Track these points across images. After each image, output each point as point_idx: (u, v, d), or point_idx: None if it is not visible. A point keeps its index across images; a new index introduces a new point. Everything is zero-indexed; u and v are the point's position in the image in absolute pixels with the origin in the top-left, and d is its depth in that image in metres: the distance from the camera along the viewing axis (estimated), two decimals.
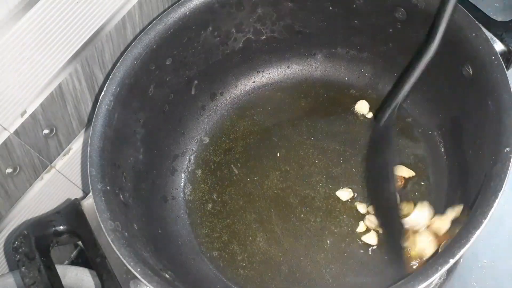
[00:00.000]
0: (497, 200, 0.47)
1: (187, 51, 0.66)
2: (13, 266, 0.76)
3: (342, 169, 0.66)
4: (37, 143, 0.67)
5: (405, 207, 0.58)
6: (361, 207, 0.63)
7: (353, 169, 0.66)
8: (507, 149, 0.49)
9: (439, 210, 0.61)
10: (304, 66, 0.72)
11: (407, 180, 0.64)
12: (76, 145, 0.73)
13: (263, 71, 0.73)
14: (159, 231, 0.63)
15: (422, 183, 0.63)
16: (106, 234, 0.53)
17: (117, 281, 0.57)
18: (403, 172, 0.63)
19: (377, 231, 0.61)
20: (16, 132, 0.63)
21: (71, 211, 0.61)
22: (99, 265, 0.59)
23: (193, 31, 0.65)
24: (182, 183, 0.68)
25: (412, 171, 0.63)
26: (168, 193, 0.67)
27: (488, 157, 0.51)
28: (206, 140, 0.71)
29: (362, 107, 0.68)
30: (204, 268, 0.63)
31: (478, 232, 0.47)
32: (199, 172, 0.69)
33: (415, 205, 0.58)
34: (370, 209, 0.62)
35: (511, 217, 0.60)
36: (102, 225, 0.53)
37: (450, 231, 0.54)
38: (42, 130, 0.66)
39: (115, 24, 0.67)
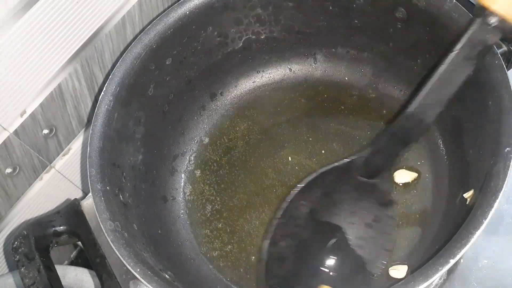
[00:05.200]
0: (497, 200, 0.47)
1: (187, 51, 0.66)
2: (12, 266, 0.76)
3: None
4: (37, 143, 0.66)
5: None
6: None
7: None
8: (507, 149, 0.49)
9: (439, 210, 0.61)
10: (304, 66, 0.72)
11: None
12: (76, 145, 0.73)
13: (263, 71, 0.73)
14: (159, 231, 0.63)
15: (423, 183, 0.63)
16: (105, 234, 0.53)
17: (117, 281, 0.57)
18: (405, 176, 0.63)
19: None
20: (16, 132, 0.63)
21: (71, 211, 0.61)
22: (98, 265, 0.59)
23: (193, 31, 0.65)
24: (182, 183, 0.68)
25: (414, 173, 0.63)
26: (168, 193, 0.67)
27: (488, 157, 0.51)
28: (206, 140, 0.71)
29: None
30: (204, 268, 0.63)
31: (478, 232, 0.47)
32: (198, 172, 0.69)
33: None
34: None
35: (511, 217, 0.59)
36: (101, 225, 0.53)
37: None
38: (42, 130, 0.66)
39: (114, 24, 0.67)
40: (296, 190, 0.63)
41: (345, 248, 0.59)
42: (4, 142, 0.62)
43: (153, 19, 0.63)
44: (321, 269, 0.58)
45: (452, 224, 0.54)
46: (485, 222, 0.47)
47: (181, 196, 0.68)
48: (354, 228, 0.60)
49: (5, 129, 0.61)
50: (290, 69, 0.73)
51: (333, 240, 0.59)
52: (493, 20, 0.51)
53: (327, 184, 0.63)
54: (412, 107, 0.57)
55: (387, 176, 0.61)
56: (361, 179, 0.61)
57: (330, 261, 0.59)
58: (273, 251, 0.61)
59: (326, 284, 0.57)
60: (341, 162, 0.63)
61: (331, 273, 0.58)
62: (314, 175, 0.64)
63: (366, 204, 0.61)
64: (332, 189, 0.62)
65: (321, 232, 0.60)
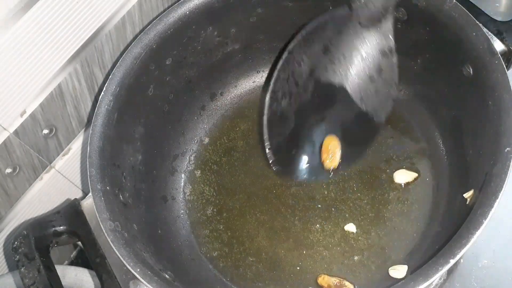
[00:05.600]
0: (497, 200, 0.47)
1: (187, 51, 0.66)
2: (12, 266, 0.76)
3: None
4: (37, 143, 0.66)
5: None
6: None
7: (353, 168, 0.66)
8: (507, 149, 0.49)
9: (439, 210, 0.61)
10: None
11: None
12: (76, 145, 0.73)
13: (263, 71, 0.73)
14: (159, 231, 0.63)
15: (423, 183, 0.63)
16: (105, 234, 0.53)
17: (117, 281, 0.57)
18: (405, 176, 0.63)
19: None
20: (16, 132, 0.63)
21: (71, 211, 0.61)
22: (98, 265, 0.59)
23: (193, 31, 0.65)
24: (182, 183, 0.68)
25: (414, 173, 0.63)
26: (168, 193, 0.67)
27: (489, 157, 0.51)
28: (206, 140, 0.71)
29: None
30: (204, 268, 0.63)
31: (478, 232, 0.47)
32: (198, 172, 0.69)
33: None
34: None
35: (511, 217, 0.59)
36: (101, 225, 0.53)
37: None
38: (42, 130, 0.66)
39: (114, 24, 0.67)
40: (296, 41, 0.59)
41: (349, 106, 0.58)
42: (4, 142, 0.62)
43: (153, 19, 0.63)
44: (326, 127, 0.59)
45: (452, 224, 0.54)
46: (485, 222, 0.47)
47: (181, 196, 0.68)
48: (357, 84, 0.58)
49: (5, 129, 0.61)
50: None
51: (336, 101, 0.58)
52: None
53: (326, 36, 0.59)
54: None
55: (387, 20, 0.57)
56: (361, 27, 0.58)
57: (335, 121, 0.59)
58: (274, 108, 0.59)
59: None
60: (338, 8, 0.59)
61: (336, 130, 0.58)
62: (312, 23, 0.59)
63: (368, 56, 0.58)
64: (331, 42, 0.59)
65: (323, 93, 0.59)
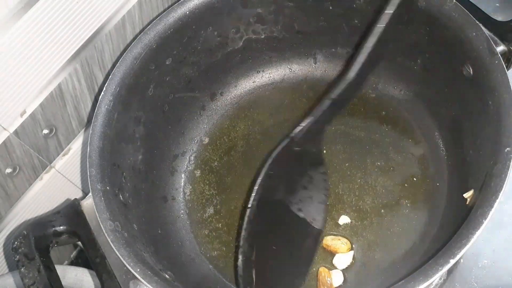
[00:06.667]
0: (497, 200, 0.47)
1: (187, 51, 0.66)
2: (12, 266, 0.76)
3: (341, 168, 0.66)
4: (37, 143, 0.67)
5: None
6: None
7: (353, 169, 0.66)
8: (507, 149, 0.49)
9: (439, 211, 0.61)
10: (304, 66, 0.72)
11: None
12: (76, 145, 0.73)
13: (263, 71, 0.73)
14: (159, 232, 0.63)
15: (422, 183, 0.63)
16: (105, 234, 0.53)
17: (117, 282, 0.57)
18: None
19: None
20: (16, 132, 0.63)
21: (71, 211, 0.61)
22: (98, 265, 0.59)
23: (193, 31, 0.65)
24: (182, 183, 0.68)
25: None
26: (168, 193, 0.67)
27: (488, 157, 0.51)
28: (206, 140, 0.71)
29: None
30: (204, 268, 0.63)
31: (478, 232, 0.47)
32: (198, 172, 0.69)
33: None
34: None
35: (511, 217, 0.60)
36: (101, 225, 0.53)
37: None
38: (42, 130, 0.66)
39: (114, 24, 0.67)
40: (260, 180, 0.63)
41: (288, 215, 0.61)
42: (4, 142, 0.62)
43: (153, 19, 0.63)
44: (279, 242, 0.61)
45: (452, 224, 0.54)
46: (485, 222, 0.47)
47: (181, 196, 0.68)
48: (292, 195, 0.61)
49: (5, 129, 0.61)
50: (290, 69, 0.73)
51: (276, 213, 0.62)
52: None
53: (273, 168, 0.63)
54: (352, 74, 0.61)
55: (317, 138, 0.64)
56: (295, 149, 0.63)
57: (281, 231, 0.61)
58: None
59: (286, 251, 0.60)
60: (285, 140, 0.64)
61: (286, 241, 0.61)
62: (266, 163, 0.64)
63: (300, 170, 0.63)
64: (274, 171, 0.63)
65: (266, 213, 0.62)
